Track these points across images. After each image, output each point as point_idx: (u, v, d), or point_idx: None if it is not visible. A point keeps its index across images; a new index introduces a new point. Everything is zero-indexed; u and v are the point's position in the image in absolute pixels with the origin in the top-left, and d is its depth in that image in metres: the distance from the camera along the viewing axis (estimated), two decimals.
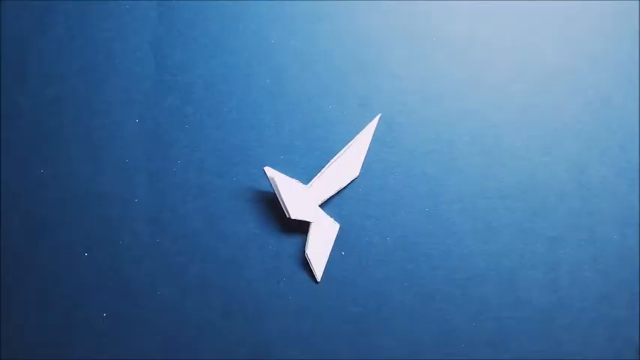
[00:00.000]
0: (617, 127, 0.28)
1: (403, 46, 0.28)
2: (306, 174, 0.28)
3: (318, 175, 0.27)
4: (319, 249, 0.27)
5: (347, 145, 0.27)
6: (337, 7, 0.29)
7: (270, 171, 0.26)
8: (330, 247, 0.27)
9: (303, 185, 0.27)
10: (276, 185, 0.26)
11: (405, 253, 0.27)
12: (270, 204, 0.28)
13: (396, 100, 0.28)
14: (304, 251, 0.27)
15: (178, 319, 0.27)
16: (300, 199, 0.26)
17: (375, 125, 0.27)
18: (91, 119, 0.28)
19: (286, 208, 0.26)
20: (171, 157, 0.28)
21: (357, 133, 0.28)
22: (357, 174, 0.27)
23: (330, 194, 0.27)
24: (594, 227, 0.28)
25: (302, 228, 0.28)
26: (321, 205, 0.27)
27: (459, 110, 0.28)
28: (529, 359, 0.27)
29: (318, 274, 0.27)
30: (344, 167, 0.27)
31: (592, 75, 0.28)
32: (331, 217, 0.27)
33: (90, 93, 0.28)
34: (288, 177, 0.27)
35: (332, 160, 0.27)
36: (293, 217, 0.26)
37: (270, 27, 0.29)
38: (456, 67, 0.28)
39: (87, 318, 0.27)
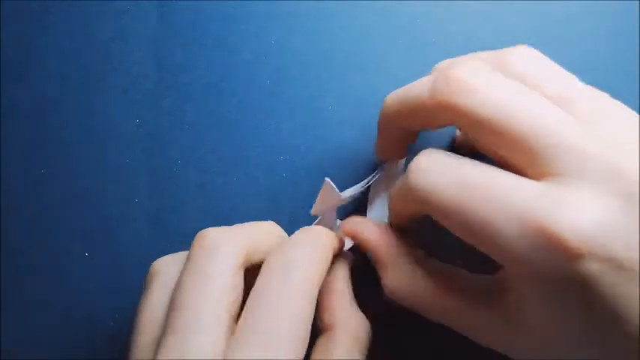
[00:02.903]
0: None
1: (403, 46, 0.28)
2: (306, 174, 0.28)
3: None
4: None
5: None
6: (337, 7, 0.29)
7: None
8: None
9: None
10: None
11: None
12: (271, 204, 0.28)
13: None
14: None
15: None
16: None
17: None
18: (91, 119, 0.28)
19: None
20: (171, 157, 0.28)
21: (358, 133, 0.28)
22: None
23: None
24: None
25: None
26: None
27: None
28: None
29: None
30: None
31: (592, 75, 0.28)
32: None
33: (90, 93, 0.29)
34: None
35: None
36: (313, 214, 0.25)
37: (270, 27, 0.29)
38: None
39: (87, 318, 0.27)
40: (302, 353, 0.18)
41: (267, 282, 0.18)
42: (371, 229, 0.23)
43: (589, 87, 0.21)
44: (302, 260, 0.19)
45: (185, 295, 0.18)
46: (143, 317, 0.20)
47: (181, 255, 0.21)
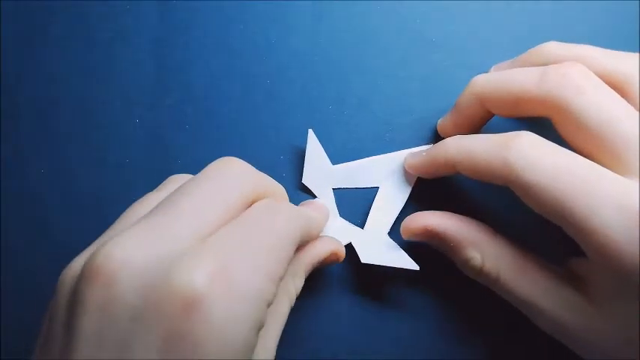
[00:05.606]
0: None
1: (403, 46, 0.28)
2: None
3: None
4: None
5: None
6: (337, 7, 0.29)
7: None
8: None
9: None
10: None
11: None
12: None
13: (396, 100, 0.28)
14: None
15: None
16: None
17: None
18: (91, 119, 0.28)
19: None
20: (171, 157, 0.28)
21: (357, 133, 0.28)
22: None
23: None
24: None
25: None
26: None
27: None
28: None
29: None
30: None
31: None
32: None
33: (90, 93, 0.29)
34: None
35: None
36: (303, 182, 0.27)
37: (270, 27, 0.29)
38: (456, 67, 0.28)
39: None
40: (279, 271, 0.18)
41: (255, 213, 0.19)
42: (442, 216, 0.24)
43: None
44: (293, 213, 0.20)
45: (187, 187, 0.18)
46: (133, 205, 0.20)
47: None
